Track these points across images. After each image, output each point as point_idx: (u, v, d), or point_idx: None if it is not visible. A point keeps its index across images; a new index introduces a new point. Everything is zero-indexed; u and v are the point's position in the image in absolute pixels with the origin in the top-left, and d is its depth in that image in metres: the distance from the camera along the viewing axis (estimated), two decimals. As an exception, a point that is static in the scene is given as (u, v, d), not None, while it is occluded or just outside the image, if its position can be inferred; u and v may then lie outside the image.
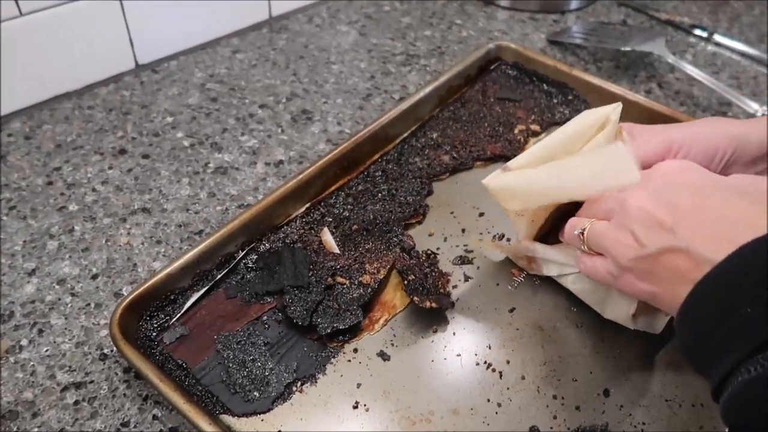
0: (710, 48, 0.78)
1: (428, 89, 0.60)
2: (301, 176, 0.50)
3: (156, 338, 0.41)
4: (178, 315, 0.42)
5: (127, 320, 0.40)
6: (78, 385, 0.40)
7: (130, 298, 0.40)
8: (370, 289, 0.44)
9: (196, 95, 0.65)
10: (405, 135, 0.58)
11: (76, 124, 0.60)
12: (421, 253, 0.48)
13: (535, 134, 0.59)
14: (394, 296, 0.45)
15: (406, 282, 0.44)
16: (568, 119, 0.61)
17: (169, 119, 0.61)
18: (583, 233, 0.39)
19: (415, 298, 0.43)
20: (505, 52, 0.68)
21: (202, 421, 0.35)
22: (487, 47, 0.67)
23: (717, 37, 0.78)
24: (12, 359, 0.41)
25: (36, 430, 0.38)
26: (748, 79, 0.72)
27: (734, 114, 0.66)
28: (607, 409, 0.40)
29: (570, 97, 0.64)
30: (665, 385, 0.41)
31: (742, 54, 0.77)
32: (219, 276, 0.45)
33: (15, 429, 0.37)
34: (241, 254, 0.46)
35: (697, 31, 0.80)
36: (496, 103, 0.62)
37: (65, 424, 0.38)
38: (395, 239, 0.48)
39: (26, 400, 0.39)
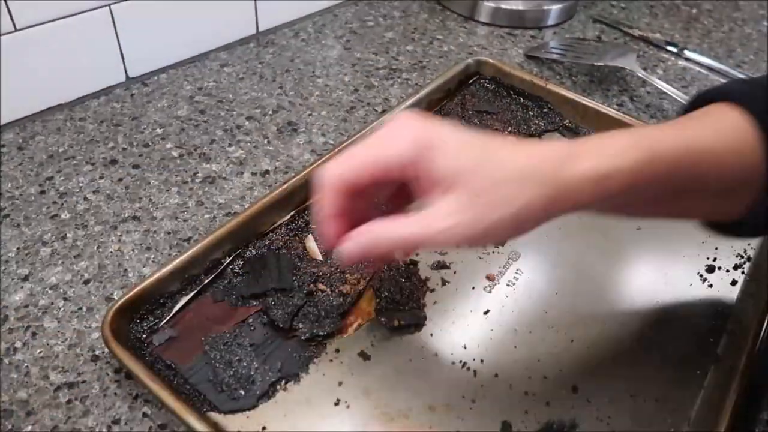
0: (681, 63, 0.81)
1: (409, 101, 0.63)
2: (286, 185, 0.52)
3: (146, 340, 0.43)
4: (167, 318, 0.44)
5: (118, 323, 0.42)
6: (71, 385, 0.42)
7: (121, 301, 0.42)
8: (350, 298, 0.46)
9: (185, 107, 0.67)
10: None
11: (68, 135, 0.62)
12: (400, 263, 0.50)
13: (511, 145, 0.62)
14: (369, 304, 0.47)
15: (377, 300, 0.46)
16: (544, 131, 0.65)
17: (159, 130, 0.63)
18: None
19: (383, 320, 0.45)
20: (484, 66, 0.70)
21: (190, 418, 0.37)
22: (467, 62, 0.70)
23: (687, 53, 0.82)
24: (6, 361, 0.43)
25: (30, 428, 0.39)
26: (716, 93, 0.75)
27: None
28: (575, 405, 0.42)
29: (545, 110, 0.67)
30: (630, 381, 0.44)
31: (711, 69, 0.80)
32: (207, 281, 0.47)
33: (10, 427, 0.39)
34: (228, 260, 0.48)
35: (669, 47, 0.83)
36: (475, 116, 0.65)
37: (58, 422, 0.40)
38: None
39: (20, 400, 0.41)
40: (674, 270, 0.52)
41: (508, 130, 0.64)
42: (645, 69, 0.79)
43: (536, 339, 0.46)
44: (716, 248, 0.54)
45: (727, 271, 0.52)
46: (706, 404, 0.43)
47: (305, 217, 0.53)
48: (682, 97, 0.69)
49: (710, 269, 0.52)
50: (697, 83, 0.78)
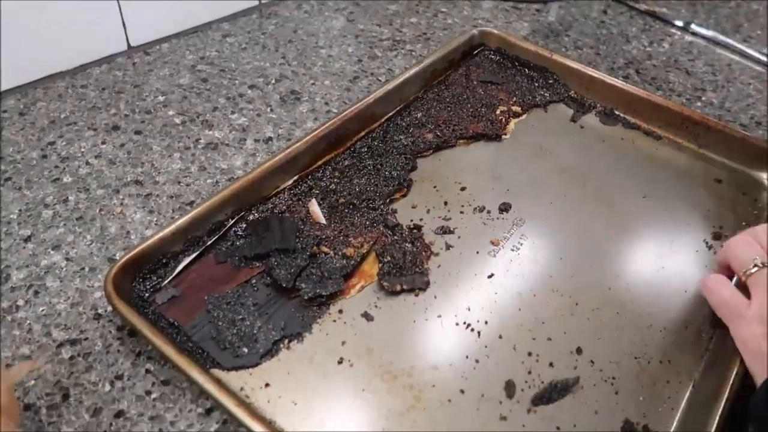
0: (687, 38, 0.80)
1: (413, 71, 0.62)
2: (289, 150, 0.51)
3: (149, 299, 0.43)
4: (170, 278, 0.44)
5: (121, 280, 0.42)
6: (73, 342, 0.41)
7: (125, 259, 0.42)
8: (353, 261, 0.46)
9: (187, 76, 0.66)
10: (390, 114, 0.60)
11: (70, 101, 0.61)
12: (404, 227, 0.49)
13: (516, 115, 0.62)
14: (373, 266, 0.47)
15: (380, 265, 0.46)
16: (549, 102, 0.64)
17: (161, 98, 0.63)
18: (758, 267, 0.40)
19: (385, 284, 0.45)
20: (488, 38, 0.70)
21: (194, 372, 0.37)
22: (471, 33, 0.69)
23: (694, 27, 0.81)
24: (9, 318, 0.42)
25: (33, 382, 0.39)
26: (723, 66, 0.75)
27: (707, 99, 0.69)
28: (579, 365, 0.42)
29: (551, 81, 0.66)
30: (634, 344, 0.44)
31: (717, 43, 0.79)
32: (209, 242, 0.46)
33: (17, 381, 0.39)
34: (231, 222, 0.48)
35: (675, 21, 0.82)
36: (479, 86, 0.65)
37: (61, 377, 0.40)
38: (380, 217, 0.50)
39: (23, 355, 0.41)
40: (680, 237, 0.51)
41: (513, 100, 0.63)
42: (651, 43, 0.79)
43: (541, 302, 0.46)
44: (722, 217, 0.53)
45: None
46: (711, 366, 0.42)
47: (308, 182, 0.52)
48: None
49: (716, 236, 0.51)
50: (704, 57, 0.77)
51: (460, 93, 0.63)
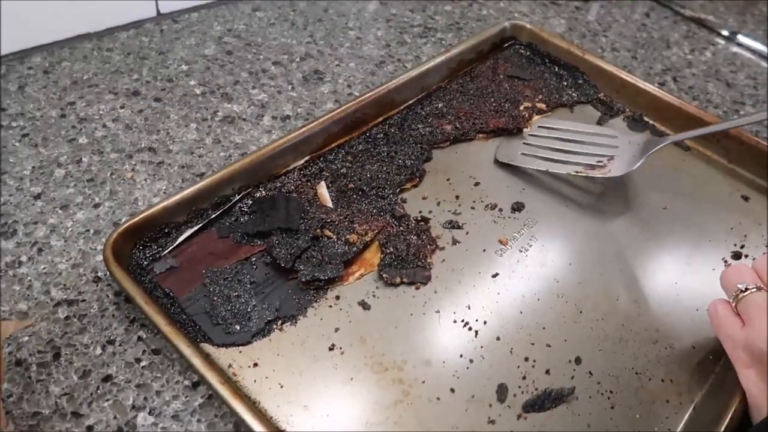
0: (732, 48, 0.77)
1: (439, 59, 0.61)
2: (303, 129, 0.51)
3: (147, 267, 0.43)
4: (171, 248, 0.44)
5: (121, 246, 0.42)
6: (70, 303, 0.42)
7: (126, 225, 0.42)
8: (355, 248, 0.45)
9: (212, 47, 0.66)
10: (411, 102, 0.58)
11: (94, 63, 0.61)
12: (411, 219, 0.48)
13: (541, 112, 0.60)
14: (375, 255, 0.46)
15: (382, 255, 0.45)
16: (576, 102, 0.62)
17: (184, 67, 0.63)
18: (742, 292, 0.39)
19: (385, 275, 0.44)
20: (520, 31, 0.68)
21: (181, 344, 0.37)
22: (503, 25, 0.67)
23: (740, 38, 0.78)
24: (10, 273, 0.43)
25: (26, 338, 0.40)
26: (766, 81, 0.72)
27: (745, 113, 0.66)
28: (576, 375, 0.41)
29: (580, 81, 0.64)
30: (638, 359, 0.42)
31: (763, 56, 0.76)
32: (213, 215, 0.46)
33: (6, 336, 0.39)
34: (237, 197, 0.47)
35: (722, 31, 0.79)
36: (505, 80, 0.63)
37: (54, 336, 0.40)
38: (388, 206, 0.49)
39: (20, 311, 0.41)
40: (698, 253, 0.49)
41: (539, 97, 0.62)
42: (692, 51, 0.76)
43: (544, 307, 0.44)
44: (745, 235, 0.51)
45: (754, 258, 0.49)
46: (714, 391, 0.41)
47: (320, 164, 0.52)
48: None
49: (736, 256, 0.49)
50: (747, 69, 0.74)
51: (485, 86, 0.62)
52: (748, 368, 0.38)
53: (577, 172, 0.51)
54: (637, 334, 0.44)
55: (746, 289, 0.39)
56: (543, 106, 0.60)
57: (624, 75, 0.62)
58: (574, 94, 0.63)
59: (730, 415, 0.38)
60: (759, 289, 0.38)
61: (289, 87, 0.62)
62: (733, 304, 0.39)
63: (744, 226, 0.52)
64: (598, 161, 0.52)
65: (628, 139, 0.54)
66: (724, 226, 0.52)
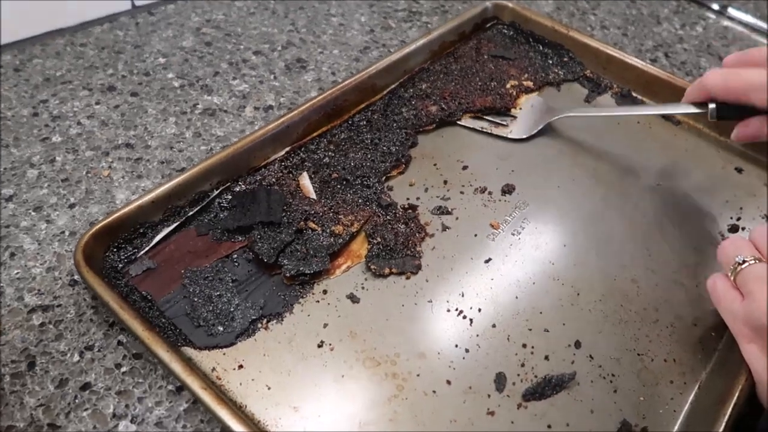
0: (724, 22, 0.76)
1: (421, 42, 0.59)
2: (282, 119, 0.49)
3: (122, 270, 0.41)
4: (147, 249, 0.42)
5: (93, 249, 0.39)
6: (45, 308, 0.40)
7: (98, 227, 0.40)
8: (341, 239, 0.43)
9: (190, 38, 0.64)
10: (393, 86, 0.56)
11: (67, 59, 0.59)
12: (398, 207, 0.47)
13: (528, 90, 0.58)
14: (361, 246, 0.44)
15: (369, 246, 0.43)
16: (563, 80, 0.60)
17: (161, 60, 0.61)
18: (740, 265, 0.37)
19: (373, 267, 0.42)
20: (502, 11, 0.66)
21: (160, 349, 0.35)
22: (485, 4, 0.65)
23: (731, 11, 0.76)
24: (-18, 280, 0.41)
25: (-1, 348, 0.38)
26: (758, 51, 0.70)
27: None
28: (576, 360, 0.39)
29: (566, 59, 0.62)
30: (639, 340, 0.41)
31: (754, 29, 0.75)
32: (191, 212, 0.44)
33: (-21, 347, 0.38)
34: (216, 193, 0.45)
35: (711, 4, 0.77)
36: (489, 60, 0.61)
37: (29, 344, 0.38)
38: (373, 195, 0.47)
39: (-8, 320, 0.39)
40: (694, 228, 0.48)
41: (524, 77, 0.60)
42: (683, 25, 0.74)
43: (540, 291, 0.43)
44: (741, 208, 0.50)
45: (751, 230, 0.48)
46: (719, 368, 0.39)
47: (301, 155, 0.50)
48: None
49: (733, 229, 0.48)
50: (739, 43, 0.73)
51: (469, 66, 0.60)
52: (750, 342, 0.36)
53: (482, 128, 0.54)
54: (636, 314, 0.42)
55: (744, 262, 0.37)
56: (530, 84, 0.59)
57: (610, 50, 0.61)
58: (560, 72, 0.61)
59: (737, 394, 0.36)
60: (757, 260, 0.37)
61: (271, 76, 0.60)
62: (732, 278, 0.38)
63: (739, 198, 0.50)
64: (502, 120, 0.55)
65: (531, 102, 0.57)
66: (719, 200, 0.50)
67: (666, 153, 0.54)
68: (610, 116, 0.56)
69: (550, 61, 0.62)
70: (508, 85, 0.58)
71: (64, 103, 0.55)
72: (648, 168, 0.52)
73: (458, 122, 0.55)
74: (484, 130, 0.54)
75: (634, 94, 0.59)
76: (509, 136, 0.54)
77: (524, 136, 0.54)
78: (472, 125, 0.55)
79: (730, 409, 0.36)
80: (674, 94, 0.56)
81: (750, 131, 0.44)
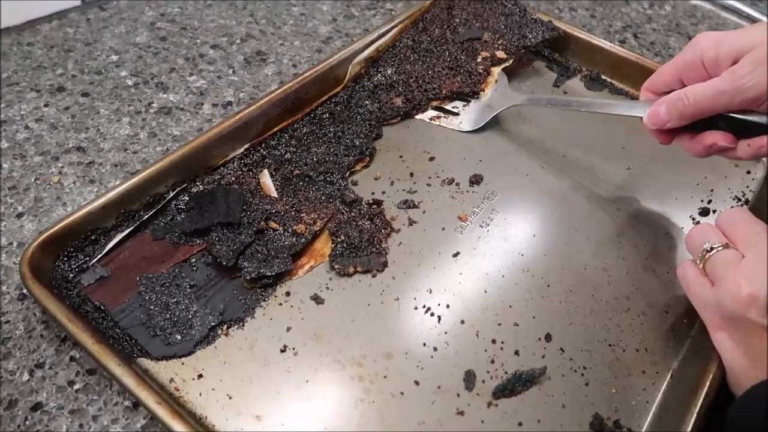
0: (693, 1, 0.75)
1: (384, 29, 0.57)
2: (240, 115, 0.47)
3: (73, 279, 0.39)
4: (99, 256, 0.40)
5: (41, 260, 0.38)
6: (-8, 325, 0.38)
7: (44, 236, 0.38)
8: (303, 239, 0.42)
9: (144, 34, 0.61)
10: (355, 75, 0.54)
11: (13, 60, 0.57)
12: (363, 203, 0.45)
13: (500, 61, 0.56)
14: (325, 245, 0.43)
15: (333, 245, 0.42)
16: (537, 48, 0.58)
17: (114, 57, 0.58)
18: (708, 252, 0.36)
19: (337, 266, 0.41)
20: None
21: (111, 363, 0.33)
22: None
23: (699, -12, 0.76)
24: (-77, 298, 0.39)
25: (-58, 370, 0.36)
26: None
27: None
28: (547, 354, 0.38)
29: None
30: (610, 330, 0.40)
31: (724, 7, 0.74)
32: (146, 216, 0.42)
33: None
34: (171, 195, 0.43)
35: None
36: (461, 25, 0.59)
37: (-26, 364, 0.36)
38: (337, 191, 0.46)
39: (-65, 340, 0.37)
40: (665, 212, 0.47)
41: (499, 43, 0.57)
42: (652, 5, 0.73)
43: (509, 283, 0.42)
44: (712, 190, 0.49)
45: (723, 214, 0.47)
46: (691, 355, 0.39)
47: (261, 151, 0.48)
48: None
49: (704, 212, 0.47)
50: (708, 21, 0.72)
51: (438, 36, 0.57)
52: (720, 330, 0.36)
53: (431, 119, 0.53)
54: (607, 303, 0.41)
55: (712, 249, 0.36)
56: (502, 54, 0.56)
57: (576, 32, 0.59)
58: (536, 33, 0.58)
59: (708, 383, 0.36)
60: (724, 246, 0.36)
61: (230, 71, 0.58)
62: (701, 266, 0.37)
63: (709, 180, 0.50)
64: (454, 107, 0.54)
65: (496, 86, 0.55)
66: (690, 182, 0.49)
67: (636, 137, 0.53)
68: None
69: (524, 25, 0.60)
70: (479, 58, 0.56)
71: (11, 107, 0.52)
72: (618, 152, 0.51)
73: (416, 116, 0.53)
74: (434, 123, 0.53)
75: (603, 77, 0.58)
76: (460, 128, 0.52)
77: (472, 129, 0.52)
78: (429, 116, 0.53)
79: (701, 399, 0.35)
80: (643, 75, 0.54)
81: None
